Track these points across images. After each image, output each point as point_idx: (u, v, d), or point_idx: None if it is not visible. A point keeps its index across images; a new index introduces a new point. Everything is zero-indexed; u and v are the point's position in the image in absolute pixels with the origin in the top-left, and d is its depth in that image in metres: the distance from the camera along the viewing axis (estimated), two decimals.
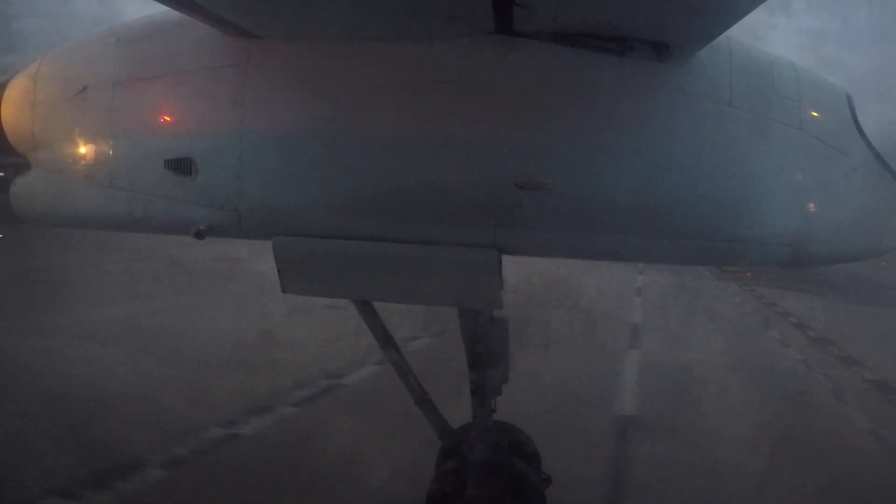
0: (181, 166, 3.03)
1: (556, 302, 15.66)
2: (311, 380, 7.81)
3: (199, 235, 3.07)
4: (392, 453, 5.69)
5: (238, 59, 3.00)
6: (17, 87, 3.32)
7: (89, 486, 4.90)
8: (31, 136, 3.28)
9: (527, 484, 3.92)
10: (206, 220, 3.08)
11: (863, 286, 19.60)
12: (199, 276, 13.63)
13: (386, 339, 4.02)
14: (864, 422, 7.96)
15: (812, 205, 3.06)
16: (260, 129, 2.99)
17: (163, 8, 2.76)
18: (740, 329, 14.81)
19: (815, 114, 3.08)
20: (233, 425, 6.28)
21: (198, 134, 3.05)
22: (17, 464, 5.09)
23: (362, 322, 3.92)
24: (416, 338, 9.60)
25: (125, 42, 3.21)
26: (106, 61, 3.18)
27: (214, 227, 3.08)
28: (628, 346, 11.36)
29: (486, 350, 3.69)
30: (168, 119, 3.11)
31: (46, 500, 4.65)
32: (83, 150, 3.16)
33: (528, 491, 3.89)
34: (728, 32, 2.77)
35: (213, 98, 3.04)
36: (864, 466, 6.40)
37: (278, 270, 3.13)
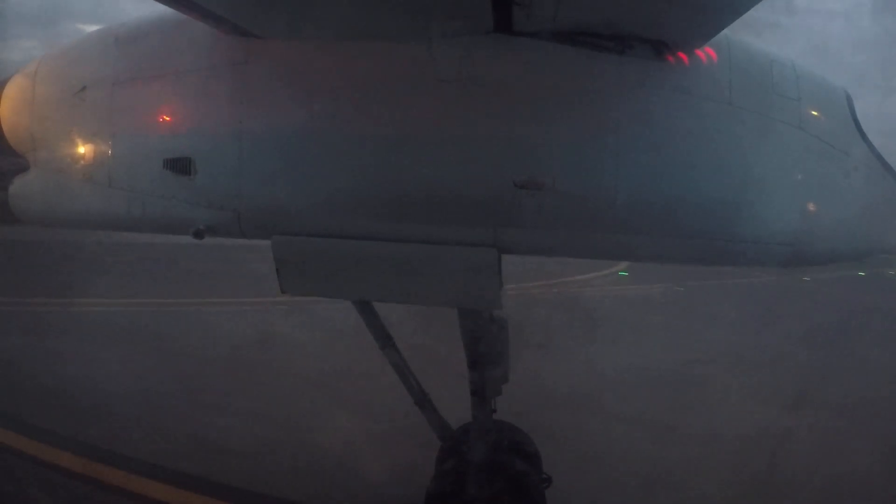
0: (180, 166, 3.02)
1: None
2: None
3: (198, 235, 3.07)
4: None
5: (238, 59, 3.00)
6: (15, 87, 3.32)
7: None
8: (30, 136, 3.27)
9: (527, 484, 3.92)
10: (204, 219, 3.07)
11: None
12: None
13: (385, 340, 4.01)
14: None
15: (812, 204, 3.06)
16: (259, 129, 2.98)
17: (162, 7, 2.76)
18: None
19: (814, 112, 3.08)
20: None
21: (197, 134, 3.05)
22: None
23: None
24: None
25: (124, 42, 3.20)
26: (105, 61, 3.17)
27: (213, 226, 3.07)
28: None
29: (485, 350, 3.69)
30: (167, 119, 3.10)
31: None
32: (82, 149, 3.16)
33: (528, 491, 3.88)
34: (727, 31, 2.77)
35: (213, 98, 3.03)
36: None
37: (277, 270, 3.12)
